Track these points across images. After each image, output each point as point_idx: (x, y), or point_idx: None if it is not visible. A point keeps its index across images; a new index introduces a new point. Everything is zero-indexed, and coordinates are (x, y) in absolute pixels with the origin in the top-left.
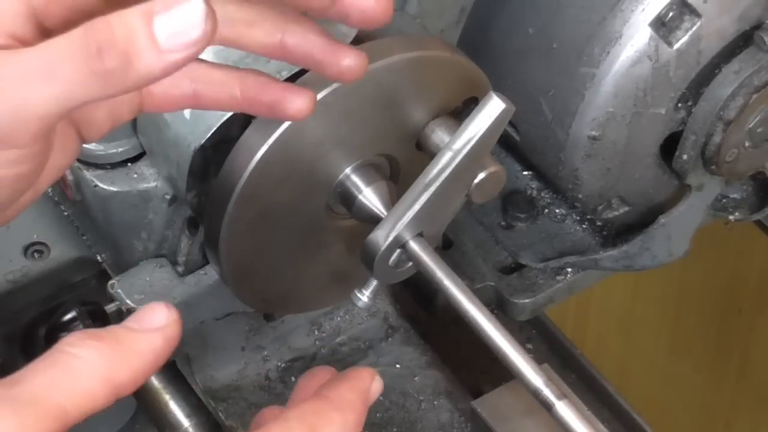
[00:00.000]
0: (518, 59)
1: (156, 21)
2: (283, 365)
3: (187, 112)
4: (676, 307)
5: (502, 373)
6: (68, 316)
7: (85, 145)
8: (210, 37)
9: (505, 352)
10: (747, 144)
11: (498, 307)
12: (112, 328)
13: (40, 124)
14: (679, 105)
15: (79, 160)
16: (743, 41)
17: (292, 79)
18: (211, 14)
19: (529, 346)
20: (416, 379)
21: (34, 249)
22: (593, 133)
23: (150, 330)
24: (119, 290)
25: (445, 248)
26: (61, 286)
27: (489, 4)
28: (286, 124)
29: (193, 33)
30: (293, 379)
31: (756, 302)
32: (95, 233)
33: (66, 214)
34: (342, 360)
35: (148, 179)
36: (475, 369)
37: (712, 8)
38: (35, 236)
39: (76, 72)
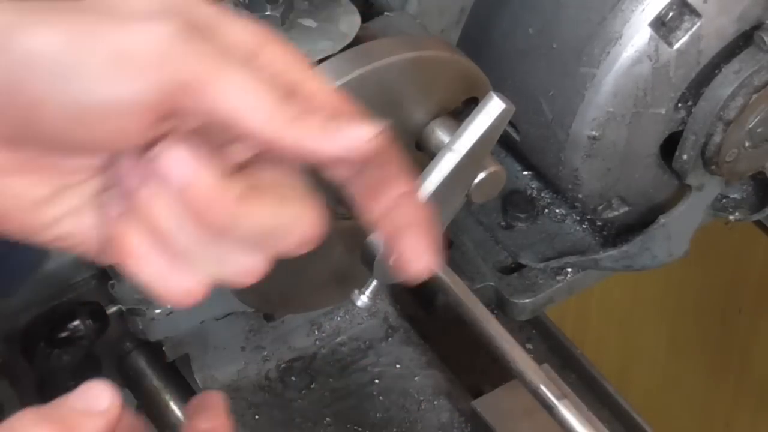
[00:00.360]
0: (518, 59)
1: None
2: (283, 365)
3: None
4: (676, 307)
5: (502, 373)
6: (69, 321)
7: None
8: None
9: (505, 352)
10: (747, 144)
11: (498, 307)
12: (61, 410)
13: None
14: (679, 105)
15: None
16: (743, 41)
17: None
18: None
19: (529, 346)
20: (416, 379)
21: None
22: (593, 133)
23: (94, 414)
24: (119, 290)
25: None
26: (61, 286)
27: (489, 4)
28: None
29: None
30: (293, 379)
31: (756, 302)
32: None
33: None
34: (342, 360)
35: None
36: (475, 369)
37: (712, 8)
38: None
39: (256, 93)
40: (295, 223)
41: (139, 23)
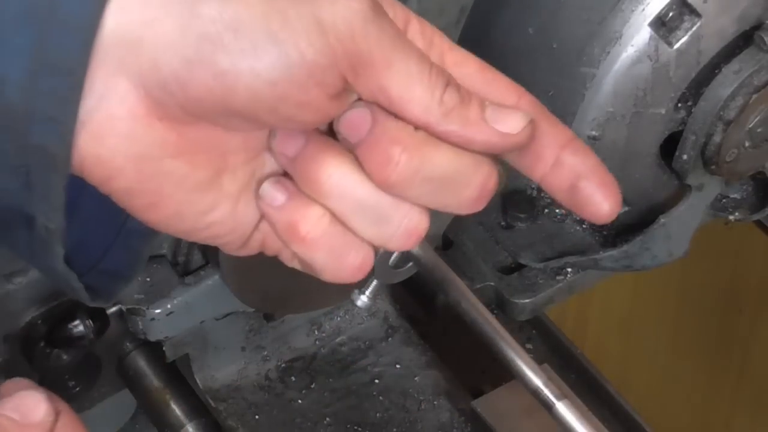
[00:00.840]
0: (518, 59)
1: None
2: (283, 365)
3: None
4: (676, 307)
5: (502, 373)
6: (69, 321)
7: None
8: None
9: (505, 352)
10: (747, 144)
11: (498, 307)
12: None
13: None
14: (679, 105)
15: None
16: (743, 41)
17: None
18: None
19: (529, 346)
20: (416, 379)
21: None
22: (593, 133)
23: (32, 425)
24: None
25: (445, 248)
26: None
27: (489, 4)
28: None
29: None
30: (293, 379)
31: (756, 302)
32: None
33: None
34: (342, 360)
35: None
36: (475, 369)
37: (712, 8)
38: None
39: (421, 84)
40: (474, 171)
41: None
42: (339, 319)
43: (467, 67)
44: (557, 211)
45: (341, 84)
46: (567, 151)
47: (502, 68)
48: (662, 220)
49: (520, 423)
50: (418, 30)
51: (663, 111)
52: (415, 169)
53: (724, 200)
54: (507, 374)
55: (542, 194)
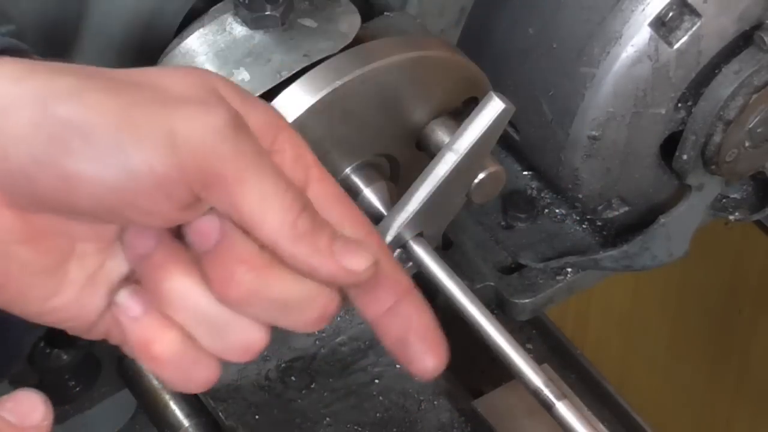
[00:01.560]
0: (518, 59)
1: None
2: (283, 365)
3: None
4: (676, 307)
5: (502, 373)
6: None
7: None
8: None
9: (505, 352)
10: (747, 144)
11: (498, 307)
12: None
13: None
14: (679, 105)
15: None
16: (743, 41)
17: (293, 78)
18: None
19: (529, 346)
20: (416, 379)
21: None
22: (593, 133)
23: (29, 428)
24: None
25: (445, 248)
26: None
27: (489, 4)
28: None
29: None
30: (293, 379)
31: (756, 302)
32: None
33: None
34: (342, 360)
35: None
36: (475, 369)
37: (712, 8)
38: None
39: (274, 204)
40: (316, 296)
41: (193, 107)
42: (339, 319)
43: (327, 187)
44: (557, 211)
45: (191, 197)
46: (405, 301)
47: (502, 68)
48: (662, 220)
49: (520, 423)
50: (287, 139)
51: (663, 111)
52: (257, 290)
53: (724, 200)
54: (507, 374)
55: (542, 194)
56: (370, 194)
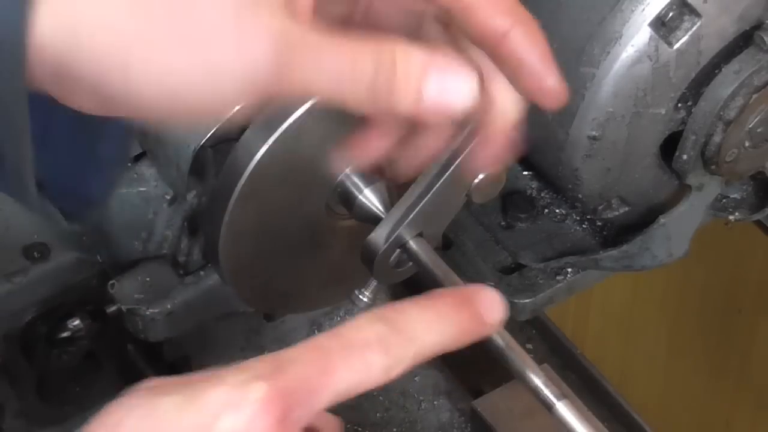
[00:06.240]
0: None
1: (430, 77)
2: None
3: None
4: (676, 307)
5: (502, 373)
6: (69, 321)
7: None
8: (468, 111)
9: (505, 352)
10: (747, 144)
11: None
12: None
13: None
14: (679, 105)
15: None
16: (743, 41)
17: None
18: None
19: (529, 346)
20: (416, 379)
21: (35, 249)
22: (593, 133)
23: (489, 324)
24: (119, 291)
25: (445, 248)
26: (61, 287)
27: None
28: (286, 124)
29: (456, 105)
30: None
31: (756, 302)
32: (95, 233)
33: None
34: None
35: (148, 180)
36: (475, 369)
37: (712, 8)
38: (35, 237)
39: (351, 78)
40: None
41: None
42: (339, 319)
43: None
44: (557, 211)
45: None
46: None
47: None
48: (662, 220)
49: (520, 423)
50: None
51: (663, 111)
52: None
53: (724, 200)
54: (507, 374)
55: (542, 194)
56: (369, 194)
